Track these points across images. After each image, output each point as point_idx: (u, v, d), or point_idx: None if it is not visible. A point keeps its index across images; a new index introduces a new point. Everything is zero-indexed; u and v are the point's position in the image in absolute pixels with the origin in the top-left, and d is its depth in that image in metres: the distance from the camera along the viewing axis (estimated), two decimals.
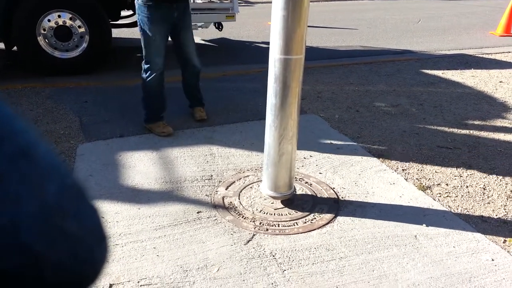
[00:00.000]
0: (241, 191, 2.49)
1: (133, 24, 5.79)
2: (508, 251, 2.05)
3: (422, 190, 2.57)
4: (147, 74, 3.11)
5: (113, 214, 2.23)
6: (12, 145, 0.29)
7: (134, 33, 7.04)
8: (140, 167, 2.73)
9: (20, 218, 0.28)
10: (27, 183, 0.29)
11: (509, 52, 6.28)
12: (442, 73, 5.12)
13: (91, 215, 0.34)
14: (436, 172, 2.80)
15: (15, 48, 4.58)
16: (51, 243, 0.30)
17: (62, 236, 0.31)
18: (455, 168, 2.86)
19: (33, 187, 0.29)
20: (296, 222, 2.22)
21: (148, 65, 3.10)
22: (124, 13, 5.90)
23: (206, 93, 4.22)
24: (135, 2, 3.00)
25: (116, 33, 6.00)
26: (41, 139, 0.32)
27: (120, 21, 5.75)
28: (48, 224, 0.30)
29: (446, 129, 3.51)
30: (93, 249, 0.34)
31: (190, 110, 3.55)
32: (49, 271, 0.30)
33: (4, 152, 0.28)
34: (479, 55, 6.06)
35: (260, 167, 2.71)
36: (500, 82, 4.82)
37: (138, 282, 1.79)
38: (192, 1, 5.23)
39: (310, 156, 2.95)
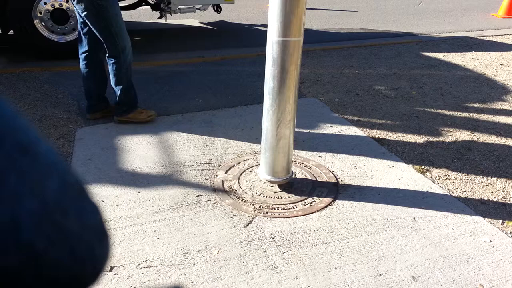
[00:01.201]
0: (240, 175, 2.50)
1: (131, 7, 5.73)
2: (506, 233, 2.06)
3: (421, 173, 2.57)
4: (127, 60, 2.87)
5: (113, 198, 2.24)
6: (12, 142, 0.29)
7: (132, 16, 6.96)
8: (139, 151, 2.73)
9: (19, 215, 0.28)
10: (27, 181, 0.29)
11: (511, 34, 6.22)
12: (443, 56, 5.08)
13: (92, 213, 0.34)
14: (435, 155, 2.80)
15: (11, 32, 4.53)
16: (51, 241, 0.30)
17: (62, 234, 0.31)
18: (455, 151, 2.86)
19: (33, 185, 0.29)
20: (295, 205, 2.23)
21: (124, 51, 2.83)
22: None
23: (205, 77, 4.20)
24: None
25: None
26: (41, 137, 0.32)
27: None
28: (48, 222, 0.30)
29: (446, 112, 3.50)
30: (93, 247, 0.34)
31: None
32: (48, 268, 0.30)
33: (4, 149, 0.28)
34: (480, 38, 6.01)
35: (260, 151, 2.71)
36: (501, 64, 4.79)
37: (139, 264, 1.81)
38: None
39: (309, 139, 2.94)
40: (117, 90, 2.97)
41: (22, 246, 0.28)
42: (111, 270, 1.77)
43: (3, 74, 4.07)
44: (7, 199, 0.27)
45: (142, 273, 1.76)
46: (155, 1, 5.31)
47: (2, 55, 4.85)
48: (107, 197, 2.24)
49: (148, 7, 5.64)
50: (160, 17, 5.25)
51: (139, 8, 5.90)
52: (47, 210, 0.29)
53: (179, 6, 5.16)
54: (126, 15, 6.86)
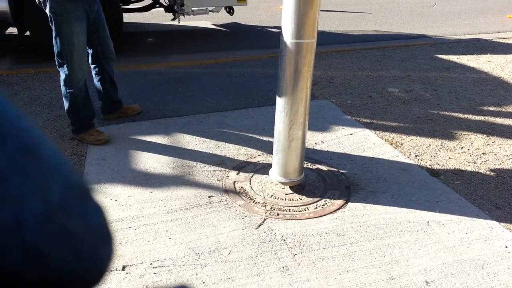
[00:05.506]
0: (252, 176, 2.50)
1: (144, 9, 5.78)
2: None
3: (435, 176, 2.54)
4: (75, 82, 2.71)
5: (126, 198, 2.26)
6: (16, 143, 0.28)
7: (145, 18, 7.03)
8: (152, 151, 2.75)
9: (23, 217, 0.28)
10: (30, 182, 0.29)
11: None
12: (457, 58, 5.02)
13: (95, 215, 0.34)
14: (449, 158, 2.77)
15: (27, 33, 4.61)
16: (54, 243, 0.30)
17: (65, 235, 0.31)
18: (469, 155, 2.82)
19: (36, 186, 0.29)
20: (307, 207, 2.23)
21: (74, 72, 2.68)
22: None
23: (218, 78, 4.22)
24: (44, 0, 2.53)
25: (127, 17, 5.99)
26: (46, 138, 0.32)
27: (131, 6, 5.73)
28: (52, 224, 0.29)
29: (461, 115, 3.45)
30: (97, 248, 0.34)
31: (109, 112, 3.21)
32: (51, 270, 0.30)
33: (8, 150, 0.28)
34: (495, 40, 5.92)
35: (272, 152, 2.71)
36: None
37: (151, 264, 1.82)
38: None
39: (322, 141, 2.93)
40: (65, 107, 2.83)
41: (25, 247, 0.28)
42: (123, 269, 1.79)
43: (19, 75, 4.14)
44: (10, 200, 0.27)
45: (154, 273, 1.77)
46: (168, 3, 5.35)
47: (18, 56, 4.94)
48: (120, 197, 2.26)
49: (162, 9, 5.69)
50: (174, 19, 5.29)
51: (153, 10, 5.96)
52: (50, 211, 0.29)
53: (192, 8, 5.19)
54: (140, 17, 6.94)
